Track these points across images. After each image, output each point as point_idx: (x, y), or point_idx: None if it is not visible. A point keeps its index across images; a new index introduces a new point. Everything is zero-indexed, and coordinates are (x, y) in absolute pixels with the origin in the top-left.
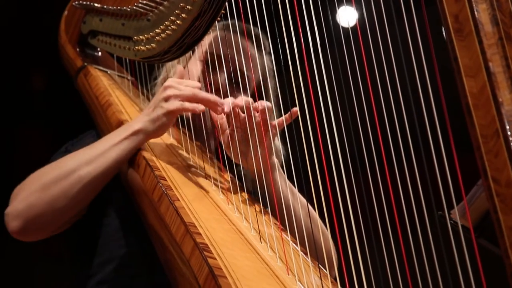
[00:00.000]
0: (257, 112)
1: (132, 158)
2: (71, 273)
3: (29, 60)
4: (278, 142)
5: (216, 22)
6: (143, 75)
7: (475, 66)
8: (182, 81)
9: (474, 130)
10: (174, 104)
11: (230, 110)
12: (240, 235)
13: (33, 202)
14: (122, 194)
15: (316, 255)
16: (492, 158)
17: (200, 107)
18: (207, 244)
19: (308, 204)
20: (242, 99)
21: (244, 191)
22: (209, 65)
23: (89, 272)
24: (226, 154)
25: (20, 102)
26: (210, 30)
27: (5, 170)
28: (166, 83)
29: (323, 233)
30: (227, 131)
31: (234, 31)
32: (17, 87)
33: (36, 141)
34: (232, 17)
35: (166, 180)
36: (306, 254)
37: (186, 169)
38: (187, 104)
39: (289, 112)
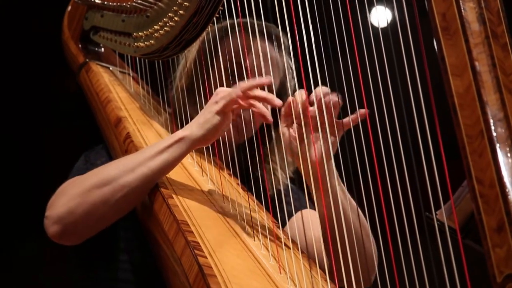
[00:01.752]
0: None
1: (130, 152)
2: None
3: (56, 61)
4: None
5: (235, 22)
6: (144, 71)
7: (461, 65)
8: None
9: (460, 130)
10: (222, 103)
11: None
12: (233, 233)
13: (73, 208)
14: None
15: (356, 257)
16: (477, 158)
17: (238, 96)
18: (198, 243)
19: (359, 209)
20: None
21: (240, 187)
22: (234, 74)
23: (93, 283)
24: (242, 158)
25: (48, 103)
26: (230, 32)
27: (34, 171)
28: (218, 90)
29: (369, 236)
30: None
31: (254, 33)
32: (44, 88)
33: (64, 142)
34: (230, 14)
35: None
36: (301, 253)
37: (182, 166)
38: (233, 97)
39: (356, 113)
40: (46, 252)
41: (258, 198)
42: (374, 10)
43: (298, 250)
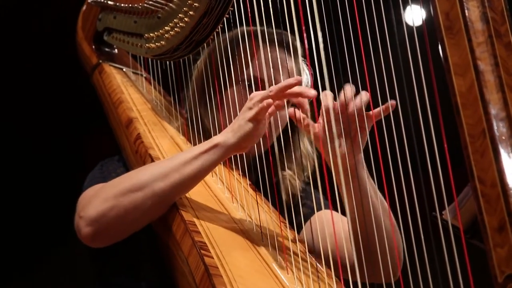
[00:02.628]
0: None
1: (140, 152)
2: None
3: None
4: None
5: (245, 31)
6: (156, 72)
7: (464, 64)
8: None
9: (462, 129)
10: (255, 110)
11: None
12: (241, 233)
13: (106, 212)
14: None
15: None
16: (479, 158)
17: (273, 107)
18: (205, 243)
19: (385, 203)
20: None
21: (248, 186)
22: (252, 88)
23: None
24: (267, 162)
25: (90, 106)
26: (242, 41)
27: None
28: (252, 95)
29: (398, 235)
30: (310, 121)
31: (267, 42)
32: (84, 91)
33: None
34: (240, 15)
35: None
36: (310, 252)
37: None
38: (263, 104)
39: (386, 104)
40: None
41: (275, 204)
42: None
43: (306, 250)
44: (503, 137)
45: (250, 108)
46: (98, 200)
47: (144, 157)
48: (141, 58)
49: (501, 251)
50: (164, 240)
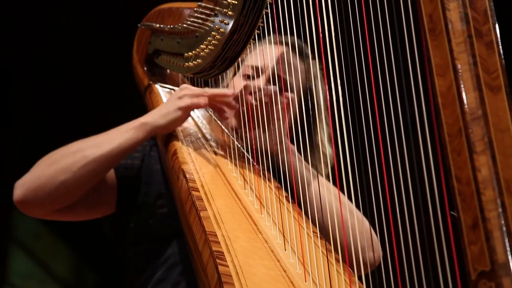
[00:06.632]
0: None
1: (175, 167)
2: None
3: None
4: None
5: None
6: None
7: (444, 64)
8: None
9: (442, 129)
10: (185, 101)
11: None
12: (264, 243)
13: (38, 174)
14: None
15: (334, 237)
16: (456, 157)
17: (204, 100)
18: (222, 252)
19: (331, 184)
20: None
21: (278, 191)
22: (249, 77)
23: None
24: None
25: None
26: (261, 46)
27: None
28: (182, 86)
29: (351, 212)
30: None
31: (275, 43)
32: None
33: None
34: (269, 29)
35: (199, 191)
36: (337, 259)
37: (224, 177)
38: (195, 99)
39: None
40: None
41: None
42: None
43: (331, 257)
44: (478, 136)
45: (180, 98)
46: (34, 168)
47: (178, 172)
48: (194, 78)
49: (474, 248)
50: (191, 251)
